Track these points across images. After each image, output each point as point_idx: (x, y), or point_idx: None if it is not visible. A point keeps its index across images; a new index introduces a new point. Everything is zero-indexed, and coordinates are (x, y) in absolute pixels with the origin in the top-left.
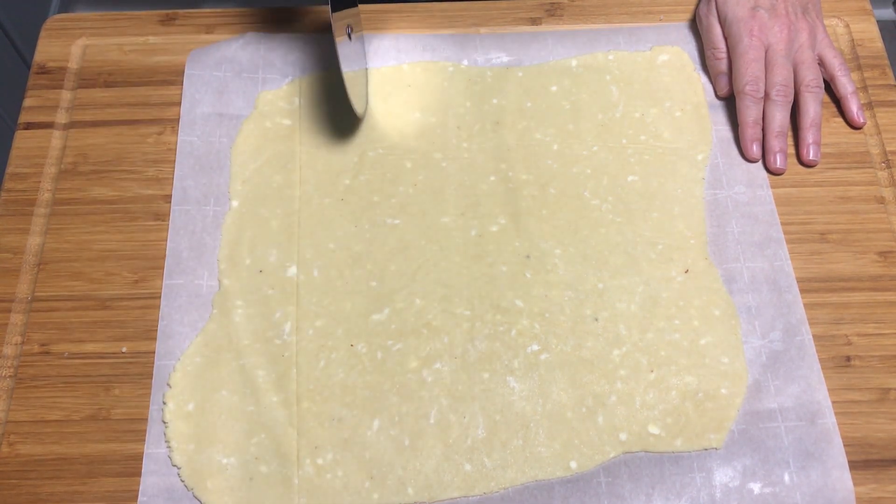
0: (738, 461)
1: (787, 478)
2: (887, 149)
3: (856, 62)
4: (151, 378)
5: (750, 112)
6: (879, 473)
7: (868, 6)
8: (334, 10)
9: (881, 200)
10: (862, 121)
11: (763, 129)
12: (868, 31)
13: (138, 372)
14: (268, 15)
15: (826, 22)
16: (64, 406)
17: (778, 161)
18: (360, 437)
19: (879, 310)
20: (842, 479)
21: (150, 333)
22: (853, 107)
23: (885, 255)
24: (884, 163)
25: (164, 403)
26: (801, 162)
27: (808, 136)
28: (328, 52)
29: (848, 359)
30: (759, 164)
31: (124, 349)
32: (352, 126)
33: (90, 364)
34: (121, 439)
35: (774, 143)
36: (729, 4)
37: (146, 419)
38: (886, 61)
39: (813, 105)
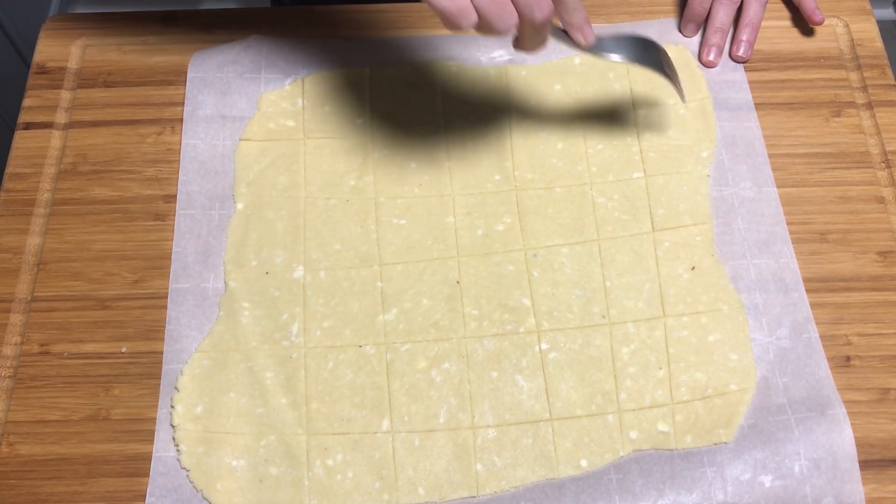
0: (748, 455)
1: (797, 469)
2: (887, 149)
3: (856, 62)
4: (151, 378)
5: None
6: (879, 473)
7: (868, 6)
8: None
9: (881, 200)
10: (819, 17)
11: (705, 26)
12: (868, 31)
13: (138, 372)
14: (268, 14)
15: (826, 22)
16: (64, 406)
17: (712, 54)
18: (370, 437)
19: (879, 310)
20: (852, 469)
21: (150, 333)
22: (810, 3)
23: (885, 255)
24: (884, 163)
25: (173, 407)
26: (731, 57)
27: (743, 34)
28: (330, 52)
29: (848, 359)
30: (765, 160)
31: (124, 349)
32: (355, 126)
33: (90, 364)
34: (121, 439)
35: (711, 38)
36: None
37: (146, 419)
38: (886, 61)
39: (755, 7)
